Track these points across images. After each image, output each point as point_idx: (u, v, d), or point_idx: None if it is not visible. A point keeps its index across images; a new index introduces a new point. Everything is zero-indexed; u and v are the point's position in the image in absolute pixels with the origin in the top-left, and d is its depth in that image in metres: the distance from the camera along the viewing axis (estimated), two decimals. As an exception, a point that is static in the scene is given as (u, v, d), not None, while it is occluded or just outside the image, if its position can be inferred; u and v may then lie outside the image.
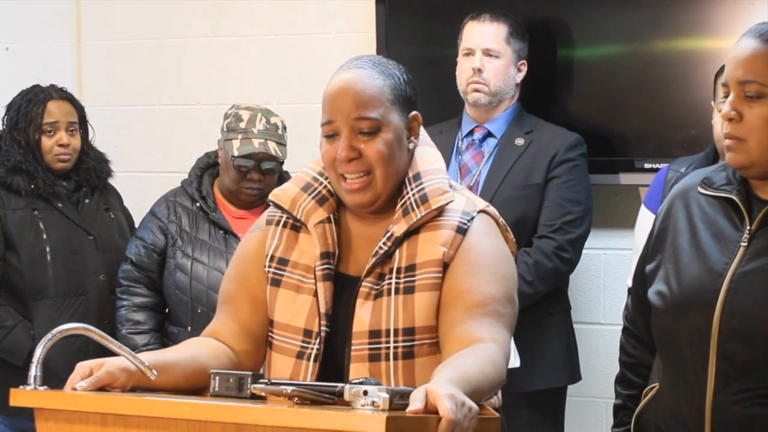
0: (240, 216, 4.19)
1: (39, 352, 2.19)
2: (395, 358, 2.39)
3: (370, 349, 2.40)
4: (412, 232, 2.43)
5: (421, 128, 2.53)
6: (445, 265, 2.40)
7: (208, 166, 4.28)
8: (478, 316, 2.33)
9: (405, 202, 2.44)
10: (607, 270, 4.45)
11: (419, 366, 2.39)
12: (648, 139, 4.28)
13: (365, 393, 2.01)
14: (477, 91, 4.09)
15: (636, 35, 4.27)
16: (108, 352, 2.28)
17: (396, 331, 2.39)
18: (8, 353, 4.16)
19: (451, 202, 2.44)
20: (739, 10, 4.13)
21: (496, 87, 4.09)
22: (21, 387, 2.19)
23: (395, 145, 2.43)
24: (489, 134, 4.15)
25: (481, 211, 2.47)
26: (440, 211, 2.43)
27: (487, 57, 4.08)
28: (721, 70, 3.72)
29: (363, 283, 2.42)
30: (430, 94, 4.41)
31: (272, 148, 4.09)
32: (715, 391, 2.42)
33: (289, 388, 2.08)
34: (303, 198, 2.51)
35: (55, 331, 2.21)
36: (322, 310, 2.43)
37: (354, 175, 2.42)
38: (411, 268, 2.41)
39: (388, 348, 2.39)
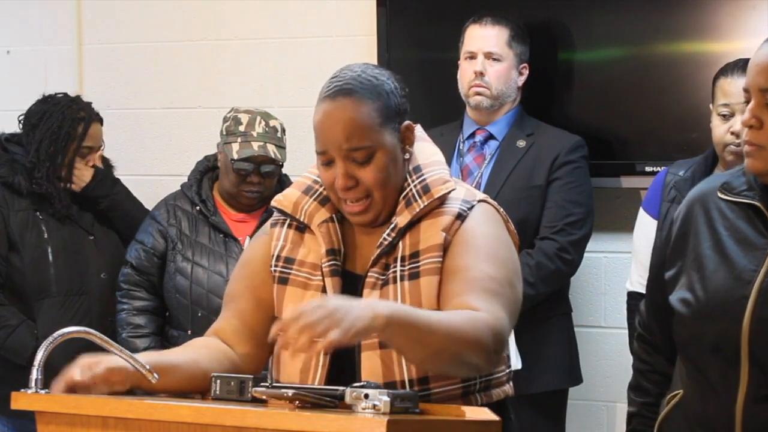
0: (240, 219, 4.19)
1: (40, 355, 2.19)
2: None
3: None
4: (414, 222, 2.44)
5: (418, 126, 2.52)
6: (445, 250, 2.40)
7: (207, 170, 4.28)
8: (474, 290, 2.33)
9: (407, 194, 2.45)
10: (607, 273, 4.45)
11: None
12: (649, 142, 4.28)
13: (366, 396, 2.01)
14: (479, 94, 4.09)
15: (637, 38, 4.27)
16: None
17: None
18: (12, 353, 4.17)
19: (453, 190, 2.45)
20: (740, 12, 4.12)
21: (497, 90, 4.09)
22: (22, 390, 2.19)
23: (390, 166, 2.43)
24: (490, 137, 4.14)
25: (482, 200, 2.49)
26: (442, 200, 2.44)
27: (489, 60, 4.08)
28: (720, 72, 3.71)
29: (369, 274, 2.43)
30: (431, 97, 4.41)
31: (272, 151, 4.09)
32: (746, 399, 2.38)
33: (290, 392, 2.07)
34: (305, 200, 2.52)
35: (56, 334, 2.21)
36: None
37: (354, 199, 2.43)
38: (415, 255, 2.42)
39: None
